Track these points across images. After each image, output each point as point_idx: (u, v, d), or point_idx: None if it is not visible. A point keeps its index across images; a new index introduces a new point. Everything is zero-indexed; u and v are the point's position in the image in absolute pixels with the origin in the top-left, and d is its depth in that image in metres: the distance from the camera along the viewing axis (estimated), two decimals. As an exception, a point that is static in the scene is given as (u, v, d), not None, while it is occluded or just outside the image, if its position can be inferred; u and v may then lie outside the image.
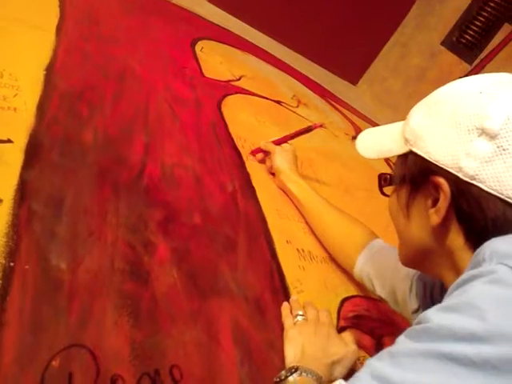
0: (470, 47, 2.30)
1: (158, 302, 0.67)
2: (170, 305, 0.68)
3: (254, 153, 1.19)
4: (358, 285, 0.98)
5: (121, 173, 0.85)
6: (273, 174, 1.16)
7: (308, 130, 1.19)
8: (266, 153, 1.18)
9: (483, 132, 0.53)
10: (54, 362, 0.53)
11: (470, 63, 2.23)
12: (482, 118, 0.54)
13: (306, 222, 1.07)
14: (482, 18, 2.26)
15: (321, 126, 1.22)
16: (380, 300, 0.92)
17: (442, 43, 2.41)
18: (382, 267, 0.87)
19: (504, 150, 0.52)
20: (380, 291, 0.88)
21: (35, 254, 0.62)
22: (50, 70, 0.98)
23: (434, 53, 2.42)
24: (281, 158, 1.14)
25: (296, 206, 1.10)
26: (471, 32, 2.30)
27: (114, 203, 0.78)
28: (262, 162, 1.19)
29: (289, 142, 1.20)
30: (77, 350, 0.55)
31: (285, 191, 1.12)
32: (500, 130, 0.52)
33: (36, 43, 1.07)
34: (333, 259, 1.02)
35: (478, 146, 0.54)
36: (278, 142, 1.19)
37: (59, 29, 1.16)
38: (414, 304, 0.81)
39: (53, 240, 0.65)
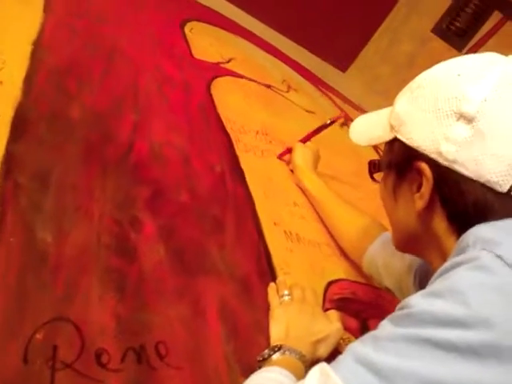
0: (459, 35, 2.30)
1: (145, 278, 0.67)
2: (156, 281, 0.68)
3: (281, 156, 1.18)
4: (346, 268, 0.98)
5: (108, 149, 0.84)
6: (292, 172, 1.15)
7: (331, 123, 1.20)
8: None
9: (461, 116, 0.53)
10: (38, 335, 0.53)
11: (460, 50, 2.23)
12: (459, 102, 0.54)
13: (294, 205, 1.07)
14: (472, 5, 2.26)
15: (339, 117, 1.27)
16: (369, 284, 0.92)
17: (432, 30, 2.41)
18: (389, 258, 0.87)
19: (481, 133, 0.52)
20: (387, 282, 0.88)
21: (20, 227, 0.61)
22: (37, 45, 0.96)
23: (424, 40, 2.42)
24: (300, 154, 1.13)
25: (310, 203, 1.09)
26: (461, 19, 2.30)
27: (102, 179, 0.77)
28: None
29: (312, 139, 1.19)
30: (61, 324, 0.55)
31: (300, 187, 1.11)
32: (477, 114, 0.52)
33: (23, 17, 1.04)
34: (320, 243, 1.02)
35: (457, 130, 0.54)
36: (304, 140, 1.18)
37: (47, 4, 1.14)
38: None
39: (39, 213, 0.65)
